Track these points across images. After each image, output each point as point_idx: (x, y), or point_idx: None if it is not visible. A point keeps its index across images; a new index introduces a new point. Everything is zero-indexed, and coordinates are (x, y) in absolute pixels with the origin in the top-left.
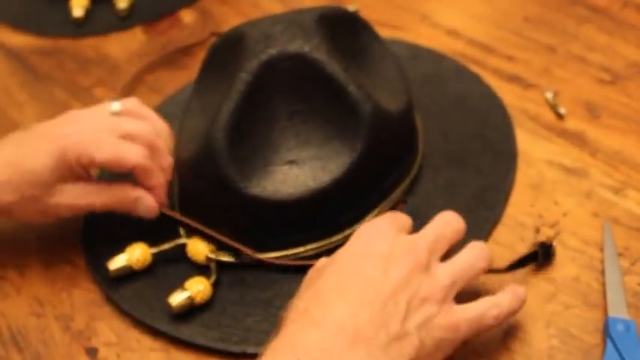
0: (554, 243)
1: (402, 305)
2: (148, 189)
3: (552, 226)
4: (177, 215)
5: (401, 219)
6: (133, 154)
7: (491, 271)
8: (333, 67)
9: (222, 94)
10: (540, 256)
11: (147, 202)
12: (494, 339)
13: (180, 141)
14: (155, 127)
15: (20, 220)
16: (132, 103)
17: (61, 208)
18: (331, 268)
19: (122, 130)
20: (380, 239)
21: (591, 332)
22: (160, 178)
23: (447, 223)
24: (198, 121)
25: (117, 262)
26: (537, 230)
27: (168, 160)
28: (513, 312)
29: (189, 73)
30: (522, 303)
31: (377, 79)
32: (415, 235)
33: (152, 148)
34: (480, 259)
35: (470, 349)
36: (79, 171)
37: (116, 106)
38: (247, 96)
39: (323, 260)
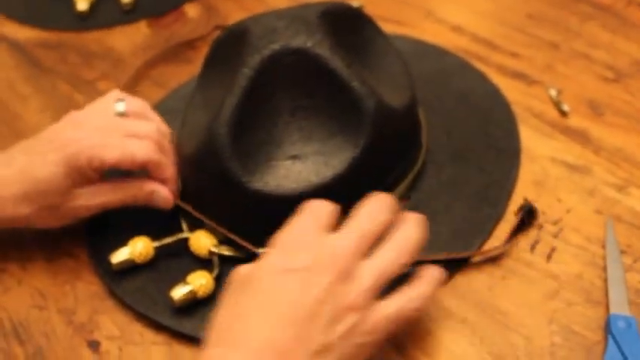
0: (534, 204)
1: (325, 318)
2: (161, 182)
3: (555, 223)
4: (189, 208)
5: (322, 213)
6: (142, 150)
7: (490, 250)
8: (336, 62)
9: (225, 88)
10: (526, 218)
11: (162, 193)
12: (496, 335)
13: (182, 136)
14: (160, 128)
15: (39, 227)
16: (137, 104)
17: (77, 210)
18: (251, 286)
19: (128, 131)
20: (301, 250)
21: (593, 329)
22: (171, 171)
23: (374, 216)
24: (201, 115)
25: (119, 256)
26: (540, 227)
27: (172, 163)
28: (433, 296)
29: (193, 67)
30: (440, 283)
31: (380, 74)
32: (339, 238)
33: (159, 145)
34: (403, 254)
35: (469, 342)
36: (91, 174)
37: (121, 106)
38: (250, 91)
39: (246, 268)
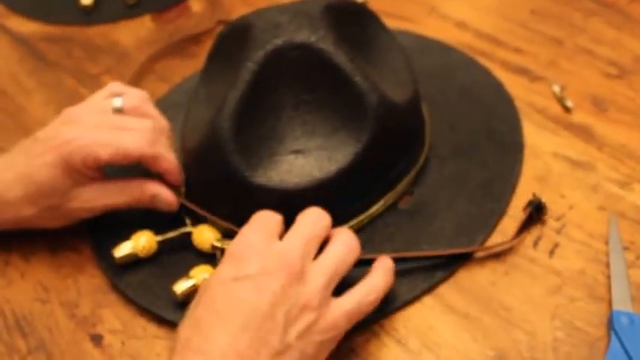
0: (543, 199)
1: (280, 320)
2: (162, 174)
3: (558, 218)
4: (192, 205)
5: (269, 223)
6: (135, 144)
7: (495, 245)
8: (340, 57)
9: (228, 83)
10: (534, 214)
11: (164, 197)
12: (499, 330)
13: (186, 130)
14: (159, 123)
15: (43, 227)
16: (135, 98)
17: (79, 212)
18: (206, 297)
19: (121, 127)
20: (251, 257)
21: (596, 325)
22: (170, 161)
23: (315, 221)
24: (204, 110)
25: (122, 250)
26: (543, 223)
27: (173, 159)
28: (389, 288)
29: (197, 61)
30: (393, 272)
31: (383, 70)
32: (287, 244)
33: (154, 139)
34: (351, 252)
35: (472, 337)
36: (89, 172)
37: (118, 102)
38: (253, 85)
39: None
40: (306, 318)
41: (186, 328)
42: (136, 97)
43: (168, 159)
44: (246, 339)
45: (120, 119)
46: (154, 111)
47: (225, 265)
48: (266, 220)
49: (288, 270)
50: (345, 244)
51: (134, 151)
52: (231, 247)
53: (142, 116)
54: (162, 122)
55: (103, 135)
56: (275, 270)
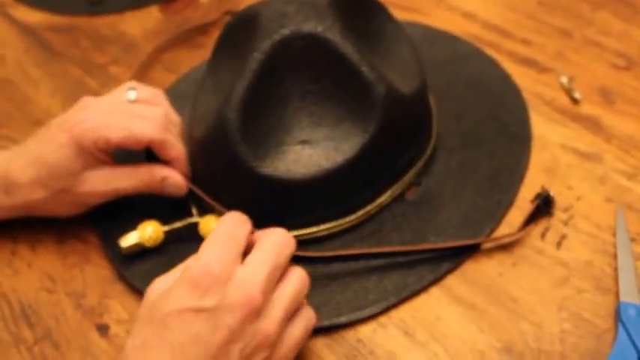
0: (551, 192)
1: (234, 357)
2: (169, 162)
3: (566, 210)
4: (199, 191)
5: (235, 236)
6: (146, 129)
7: (502, 237)
8: (347, 47)
9: (235, 73)
10: (542, 206)
11: (174, 180)
12: (506, 321)
13: (193, 120)
14: (169, 115)
15: (53, 215)
16: (148, 92)
17: (91, 196)
18: (158, 320)
19: (134, 113)
20: (211, 287)
21: (603, 317)
22: (178, 150)
23: (280, 249)
24: (211, 100)
25: (129, 240)
26: (551, 214)
27: (181, 149)
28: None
29: (204, 51)
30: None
31: (391, 60)
32: (249, 273)
33: (165, 127)
34: (305, 285)
35: (479, 328)
36: (99, 155)
37: (132, 94)
38: (260, 75)
39: (156, 291)
40: (261, 354)
41: (135, 350)
42: (150, 91)
43: (177, 146)
44: None
45: (132, 106)
46: (167, 104)
47: (184, 291)
48: (232, 232)
49: (249, 306)
50: (302, 278)
51: (144, 135)
52: (192, 269)
53: (154, 107)
54: (174, 116)
55: (114, 119)
56: (233, 306)
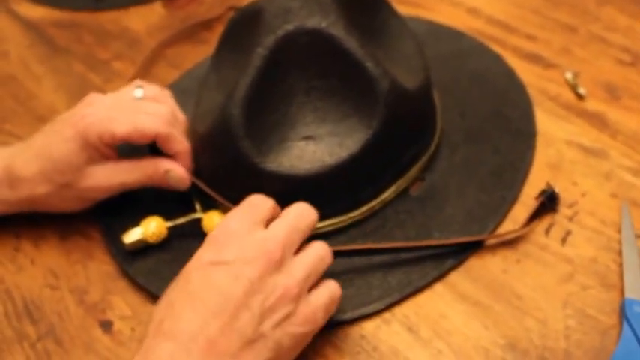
0: (556, 189)
1: (256, 309)
2: (173, 156)
3: (570, 206)
4: (203, 186)
5: (258, 209)
6: (152, 124)
7: (507, 233)
8: (351, 43)
9: (239, 69)
10: (547, 203)
11: (177, 173)
12: (510, 318)
13: (197, 116)
14: (175, 112)
15: (58, 210)
16: (155, 90)
17: (95, 191)
18: (182, 280)
19: (139, 109)
20: (231, 243)
21: (608, 313)
22: (183, 144)
23: (301, 215)
24: (214, 95)
25: (132, 236)
26: (555, 210)
27: (185, 145)
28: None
29: (208, 47)
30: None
31: (395, 55)
32: (269, 232)
33: (170, 123)
34: (328, 254)
35: (483, 325)
36: (104, 150)
37: (139, 92)
38: (264, 71)
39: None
40: (283, 308)
41: (161, 309)
42: (156, 89)
43: (182, 142)
44: (217, 325)
45: (138, 103)
46: (173, 103)
47: (205, 249)
48: (255, 205)
49: (267, 258)
50: (324, 247)
51: (150, 129)
52: (214, 231)
53: (160, 104)
54: (180, 114)
55: (120, 113)
56: (253, 257)
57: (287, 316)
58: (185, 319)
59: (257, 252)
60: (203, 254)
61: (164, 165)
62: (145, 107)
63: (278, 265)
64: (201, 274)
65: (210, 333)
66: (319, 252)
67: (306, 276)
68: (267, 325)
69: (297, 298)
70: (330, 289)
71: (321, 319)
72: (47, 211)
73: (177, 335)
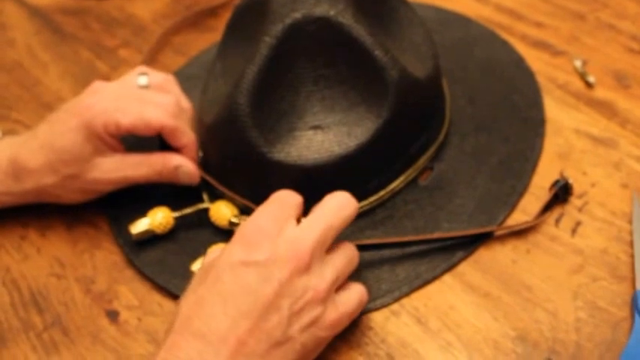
0: (570, 179)
1: (285, 311)
2: (179, 149)
3: (580, 196)
4: (212, 180)
5: (287, 204)
6: (157, 116)
7: (518, 224)
8: (359, 31)
9: (246, 57)
10: (560, 194)
11: (188, 169)
12: (520, 310)
13: (203, 105)
14: (180, 102)
15: (63, 202)
16: (160, 78)
17: (100, 183)
18: (211, 277)
19: (145, 99)
20: (262, 242)
21: (619, 305)
22: (190, 137)
23: (338, 209)
24: (221, 84)
25: (139, 226)
26: (566, 200)
27: (191, 136)
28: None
29: (215, 34)
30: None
31: (404, 43)
32: (302, 230)
33: (175, 114)
34: (356, 256)
35: (493, 317)
36: (110, 140)
37: (143, 80)
38: (271, 60)
39: (210, 257)
40: (312, 312)
41: (188, 306)
42: (161, 76)
43: (188, 134)
44: (247, 326)
45: (144, 92)
46: (178, 91)
47: (235, 247)
48: (284, 200)
49: (298, 260)
50: (352, 249)
51: (156, 121)
52: (244, 227)
53: (165, 94)
54: (185, 103)
55: (126, 103)
56: (283, 259)
57: (315, 320)
58: (215, 320)
59: (288, 253)
60: (233, 252)
61: (174, 160)
62: (150, 97)
63: (308, 266)
64: (232, 274)
65: (239, 334)
66: (348, 254)
67: (335, 279)
68: (295, 328)
69: (325, 301)
70: (359, 295)
71: (346, 324)
72: (53, 202)
73: (206, 335)
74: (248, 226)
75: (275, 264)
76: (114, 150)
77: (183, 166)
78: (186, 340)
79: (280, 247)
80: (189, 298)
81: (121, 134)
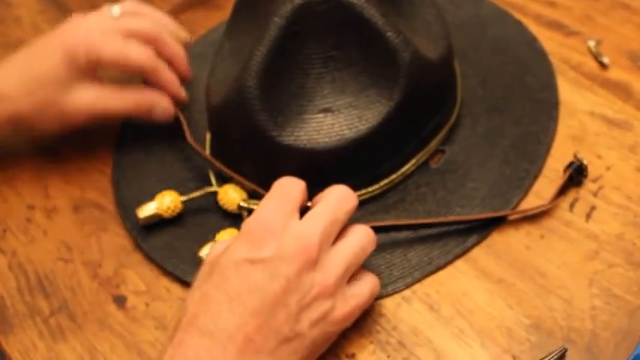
0: (584, 161)
1: (293, 307)
2: (161, 87)
3: (595, 180)
4: (218, 164)
5: (290, 194)
6: (139, 53)
7: (532, 209)
8: (371, 11)
9: (254, 38)
10: (575, 176)
11: (163, 104)
12: (534, 297)
13: (211, 86)
14: (158, 21)
15: (41, 132)
16: (129, 4)
17: (77, 113)
18: (217, 274)
19: (125, 29)
20: (267, 239)
21: (635, 293)
22: (170, 75)
23: (341, 202)
24: (229, 65)
25: (147, 210)
26: (580, 184)
27: (178, 50)
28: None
29: (223, 12)
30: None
31: (416, 23)
32: (307, 224)
33: (158, 42)
34: (370, 242)
35: (506, 304)
36: (89, 72)
37: (116, 10)
38: (281, 41)
39: (215, 252)
40: (321, 306)
41: (195, 303)
42: (133, 4)
43: (168, 73)
44: (255, 324)
45: (121, 21)
46: (150, 10)
47: (241, 244)
48: (287, 190)
49: (304, 256)
50: (366, 234)
51: (136, 60)
52: (248, 223)
53: (141, 17)
54: (163, 17)
55: (108, 37)
56: (289, 255)
57: (324, 315)
58: (222, 318)
59: (294, 249)
60: (238, 250)
61: (150, 95)
62: (130, 25)
63: (315, 261)
64: (238, 272)
65: (247, 331)
66: (361, 240)
67: (345, 270)
68: (304, 324)
69: (334, 294)
70: (371, 287)
71: (356, 317)
72: (29, 133)
73: (214, 332)
74: (252, 223)
75: (282, 260)
76: (92, 80)
77: (160, 101)
78: (194, 337)
79: (286, 243)
80: (195, 295)
81: (101, 67)
